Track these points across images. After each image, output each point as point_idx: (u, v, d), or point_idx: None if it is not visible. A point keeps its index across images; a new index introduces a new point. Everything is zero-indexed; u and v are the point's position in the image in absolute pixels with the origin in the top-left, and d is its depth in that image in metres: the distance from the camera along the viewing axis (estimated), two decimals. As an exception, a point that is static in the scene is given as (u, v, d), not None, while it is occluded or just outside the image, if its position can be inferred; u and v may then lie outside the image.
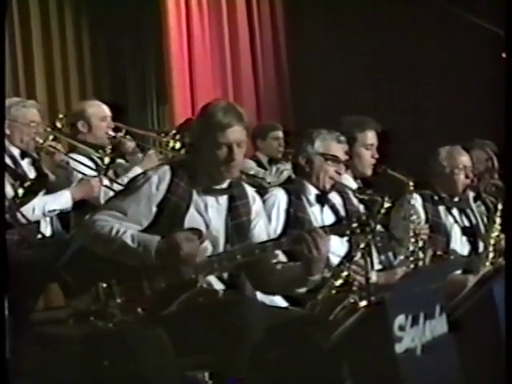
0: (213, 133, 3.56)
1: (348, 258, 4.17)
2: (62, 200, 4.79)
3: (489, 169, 5.98)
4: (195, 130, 3.73)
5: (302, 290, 3.68)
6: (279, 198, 4.27)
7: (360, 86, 8.70)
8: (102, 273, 3.48)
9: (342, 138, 4.41)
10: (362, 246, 3.98)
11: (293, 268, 3.66)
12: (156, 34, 8.09)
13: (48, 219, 4.85)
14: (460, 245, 5.18)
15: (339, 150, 4.39)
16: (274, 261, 3.70)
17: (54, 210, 4.78)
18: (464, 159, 5.27)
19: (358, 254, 4.04)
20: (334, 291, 3.91)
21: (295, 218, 4.23)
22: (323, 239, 3.50)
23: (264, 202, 4.05)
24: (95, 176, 4.93)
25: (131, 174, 5.10)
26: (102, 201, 4.91)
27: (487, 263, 5.02)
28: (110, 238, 3.46)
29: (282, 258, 3.78)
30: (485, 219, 5.43)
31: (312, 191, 4.35)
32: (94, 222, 3.53)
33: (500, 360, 3.48)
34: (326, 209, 4.36)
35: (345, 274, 3.98)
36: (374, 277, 4.27)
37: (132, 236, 3.46)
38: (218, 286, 3.63)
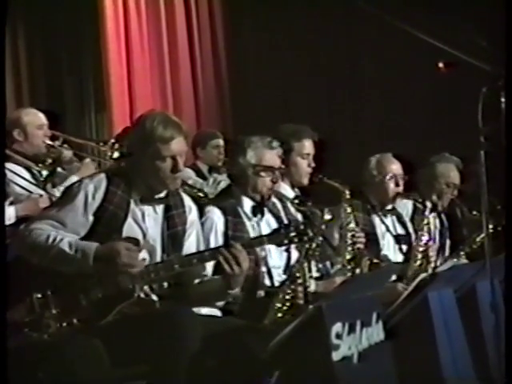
0: (155, 146, 3.54)
1: (286, 268, 4.19)
2: (5, 216, 4.69)
3: (450, 183, 5.84)
4: (134, 140, 3.67)
5: (221, 303, 3.69)
6: (215, 221, 4.16)
7: (300, 93, 8.72)
8: (36, 283, 3.44)
9: (275, 144, 4.28)
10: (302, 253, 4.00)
11: (212, 282, 3.65)
12: (94, 39, 8.00)
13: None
14: (393, 253, 5.21)
15: (273, 157, 4.27)
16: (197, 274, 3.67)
17: None
18: (394, 167, 5.28)
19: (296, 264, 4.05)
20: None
21: (234, 239, 4.13)
22: (242, 254, 3.49)
23: (202, 224, 3.96)
24: (41, 195, 4.86)
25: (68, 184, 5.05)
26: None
27: (416, 269, 5.06)
28: (46, 246, 3.41)
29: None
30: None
31: (248, 203, 4.27)
32: (30, 231, 3.48)
33: (435, 367, 3.52)
34: (266, 218, 4.29)
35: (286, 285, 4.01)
36: (312, 285, 4.27)
37: (69, 243, 3.41)
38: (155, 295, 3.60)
